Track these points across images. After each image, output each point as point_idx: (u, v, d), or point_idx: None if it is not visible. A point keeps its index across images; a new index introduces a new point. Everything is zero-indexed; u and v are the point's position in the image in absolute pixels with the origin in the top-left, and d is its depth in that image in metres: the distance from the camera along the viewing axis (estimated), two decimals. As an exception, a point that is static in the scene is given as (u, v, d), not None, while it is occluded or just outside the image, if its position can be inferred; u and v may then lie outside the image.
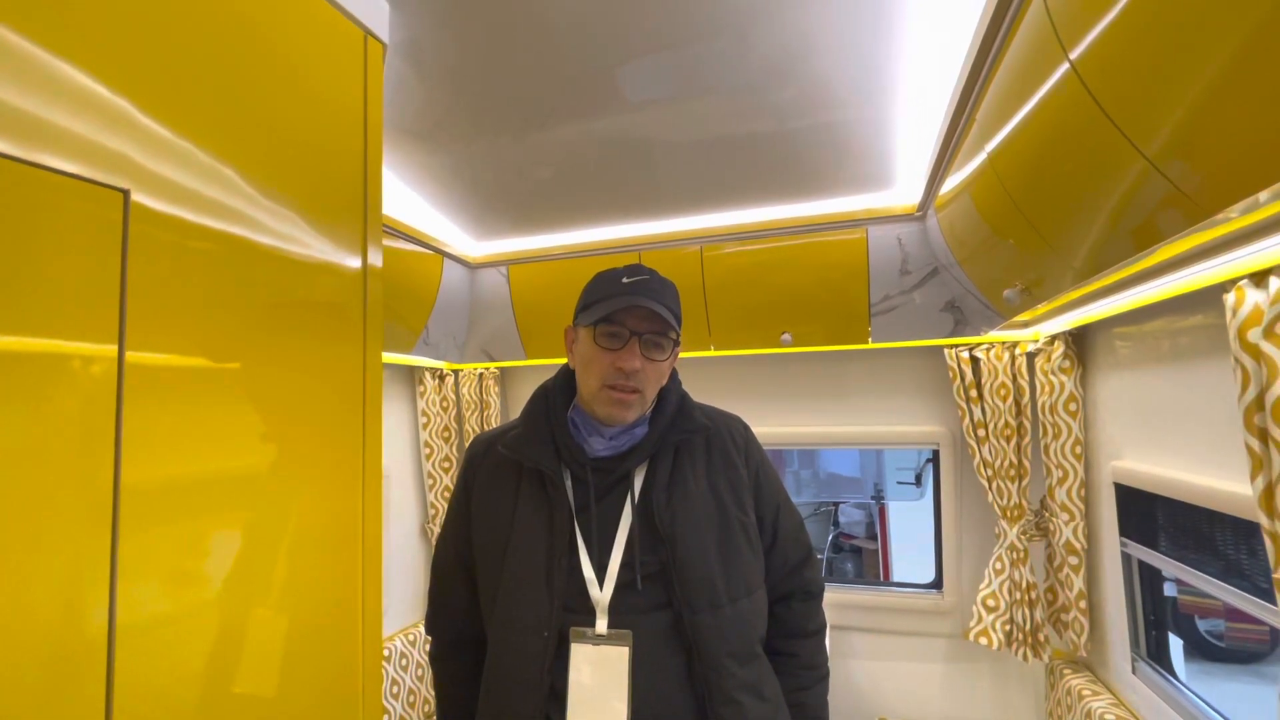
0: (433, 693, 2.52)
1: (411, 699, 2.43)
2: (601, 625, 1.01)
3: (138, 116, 0.59)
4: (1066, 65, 0.80)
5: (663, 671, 1.00)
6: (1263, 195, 0.80)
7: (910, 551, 4.88)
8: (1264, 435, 1.02)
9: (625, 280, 1.03)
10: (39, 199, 0.51)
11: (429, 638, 1.21)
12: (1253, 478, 1.04)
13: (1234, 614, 3.99)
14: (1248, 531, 1.36)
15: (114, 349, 0.56)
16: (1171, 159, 0.77)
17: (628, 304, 1.00)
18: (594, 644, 1.00)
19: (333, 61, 0.83)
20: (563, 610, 1.02)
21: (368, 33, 0.89)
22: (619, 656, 0.99)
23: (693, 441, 1.11)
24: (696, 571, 1.02)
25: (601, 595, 1.02)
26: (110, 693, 0.55)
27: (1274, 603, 1.23)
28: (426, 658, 2.52)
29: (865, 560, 5.23)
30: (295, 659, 0.72)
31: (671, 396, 1.11)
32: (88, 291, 0.55)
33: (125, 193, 0.58)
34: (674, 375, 1.13)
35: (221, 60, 0.68)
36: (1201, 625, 4.09)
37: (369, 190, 0.88)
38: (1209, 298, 1.34)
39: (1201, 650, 4.05)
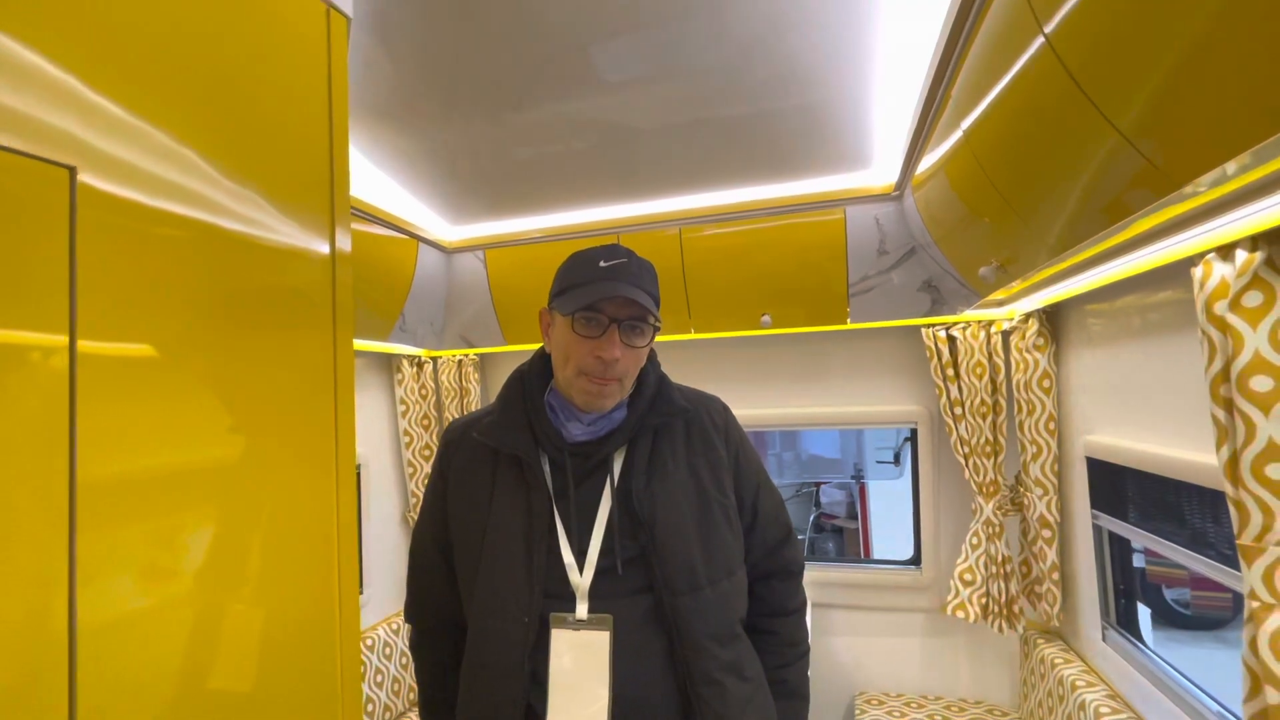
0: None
1: (396, 687, 2.43)
2: (582, 610, 1.00)
3: (83, 91, 0.56)
4: (1041, 39, 0.80)
5: (644, 655, 1.00)
6: (1230, 167, 0.81)
7: (890, 530, 4.97)
8: (1229, 405, 1.04)
9: (603, 264, 1.00)
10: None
11: (409, 625, 1.20)
12: (1218, 447, 1.06)
13: (1199, 583, 4.14)
14: (1212, 501, 1.40)
15: (65, 339, 0.54)
16: (1143, 131, 0.77)
17: (607, 293, 0.97)
18: (574, 629, 1.00)
19: (293, 35, 0.80)
20: (543, 596, 1.01)
21: (329, 5, 0.86)
22: (600, 641, 0.99)
23: (672, 424, 1.10)
24: (676, 555, 1.02)
25: (581, 581, 1.01)
26: (73, 694, 0.53)
27: (1237, 568, 1.27)
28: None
29: (846, 539, 5.32)
30: (270, 653, 0.71)
31: (650, 379, 1.10)
32: (34, 278, 0.52)
33: (71, 171, 0.55)
34: (653, 357, 1.12)
35: (173, 33, 0.64)
36: (1168, 594, 4.24)
37: (335, 171, 0.85)
38: (1177, 272, 1.36)
39: (1168, 618, 4.20)
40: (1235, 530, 1.04)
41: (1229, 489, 1.05)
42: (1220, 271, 1.06)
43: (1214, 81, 0.69)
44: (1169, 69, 0.72)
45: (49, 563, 0.52)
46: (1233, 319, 1.02)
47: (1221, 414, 1.06)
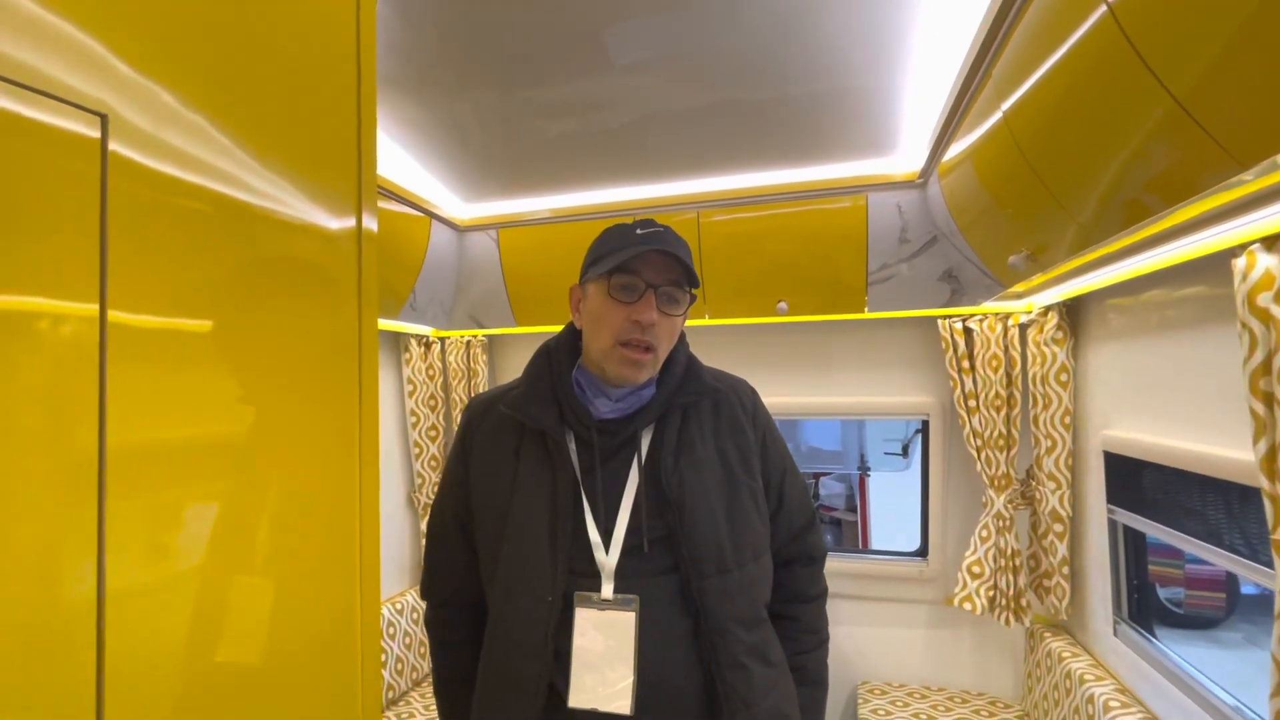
0: (421, 661, 2.52)
1: (400, 667, 2.42)
2: (607, 590, 0.99)
3: (114, 60, 0.53)
4: (1104, 8, 0.77)
5: (669, 636, 0.99)
6: (1281, 157, 0.78)
7: (889, 522, 4.98)
8: (1269, 399, 1.03)
9: (639, 231, 0.99)
10: (9, 146, 0.46)
11: (424, 602, 1.19)
12: (1255, 441, 1.05)
13: (1193, 582, 4.17)
14: (1241, 497, 1.39)
15: (95, 308, 0.52)
16: (1206, 104, 0.74)
17: (644, 251, 0.96)
18: (599, 609, 0.98)
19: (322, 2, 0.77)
20: (567, 574, 0.99)
21: (361, -33, 0.82)
22: (625, 621, 0.98)
23: (700, 404, 1.08)
24: (704, 536, 1.00)
25: (607, 559, 1.00)
26: (101, 662, 0.52)
27: (1263, 564, 1.26)
28: (414, 625, 2.52)
29: (845, 532, 5.33)
30: (292, 627, 0.70)
31: (680, 358, 1.08)
32: (66, 247, 0.50)
33: (103, 119, 0.52)
34: (682, 337, 1.11)
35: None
36: (1162, 593, 4.27)
37: (363, 146, 0.82)
38: (1210, 265, 1.34)
39: (1161, 617, 4.23)
40: (1270, 525, 1.02)
41: (1265, 483, 1.03)
42: (1265, 263, 1.04)
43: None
44: (1236, 38, 0.69)
45: (79, 528, 0.51)
46: (1277, 311, 1.00)
47: (1260, 407, 1.04)
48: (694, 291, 1.02)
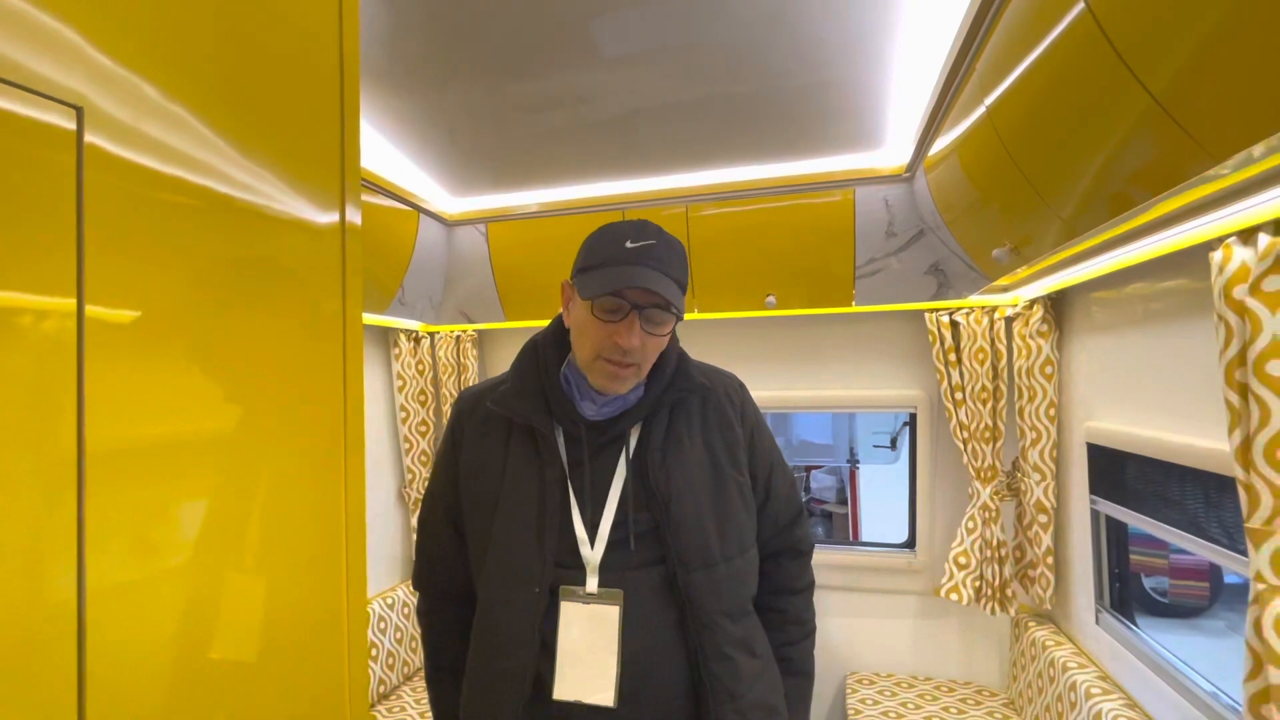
0: (412, 655, 2.53)
1: (391, 661, 2.43)
2: (591, 584, 1.00)
3: (90, 51, 0.53)
4: (1082, 5, 0.78)
5: (654, 628, 1.00)
6: (1257, 149, 0.80)
7: (880, 515, 5.02)
8: (1244, 390, 1.04)
9: (630, 245, 0.95)
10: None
11: (416, 593, 1.19)
12: (1230, 431, 1.06)
13: (1177, 572, 4.23)
14: (1219, 487, 1.41)
15: (73, 302, 0.51)
16: (1182, 101, 0.75)
17: (630, 280, 0.93)
18: (584, 603, 0.99)
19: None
20: (555, 566, 1.00)
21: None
22: (609, 615, 0.98)
23: (689, 400, 1.08)
24: (691, 530, 1.01)
25: (592, 554, 1.00)
26: (82, 659, 0.52)
27: (1240, 553, 1.28)
28: (406, 620, 2.52)
29: (835, 524, 5.36)
30: (277, 624, 0.70)
31: (670, 355, 1.07)
32: (42, 241, 0.50)
33: (78, 111, 0.52)
34: (673, 334, 1.10)
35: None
36: (1147, 582, 4.33)
37: (346, 139, 0.82)
38: (1190, 259, 1.36)
39: (1145, 606, 4.30)
40: (1244, 514, 1.04)
41: (1240, 473, 1.05)
42: (1241, 255, 1.05)
43: (1256, 51, 0.68)
44: (1210, 37, 0.70)
45: (57, 527, 0.51)
46: (1252, 303, 1.02)
47: (1235, 398, 1.06)
48: (680, 311, 0.98)
